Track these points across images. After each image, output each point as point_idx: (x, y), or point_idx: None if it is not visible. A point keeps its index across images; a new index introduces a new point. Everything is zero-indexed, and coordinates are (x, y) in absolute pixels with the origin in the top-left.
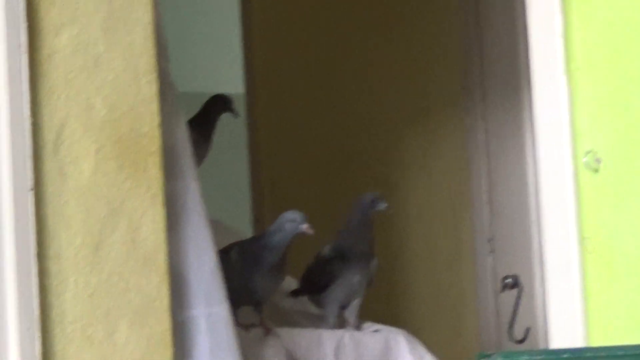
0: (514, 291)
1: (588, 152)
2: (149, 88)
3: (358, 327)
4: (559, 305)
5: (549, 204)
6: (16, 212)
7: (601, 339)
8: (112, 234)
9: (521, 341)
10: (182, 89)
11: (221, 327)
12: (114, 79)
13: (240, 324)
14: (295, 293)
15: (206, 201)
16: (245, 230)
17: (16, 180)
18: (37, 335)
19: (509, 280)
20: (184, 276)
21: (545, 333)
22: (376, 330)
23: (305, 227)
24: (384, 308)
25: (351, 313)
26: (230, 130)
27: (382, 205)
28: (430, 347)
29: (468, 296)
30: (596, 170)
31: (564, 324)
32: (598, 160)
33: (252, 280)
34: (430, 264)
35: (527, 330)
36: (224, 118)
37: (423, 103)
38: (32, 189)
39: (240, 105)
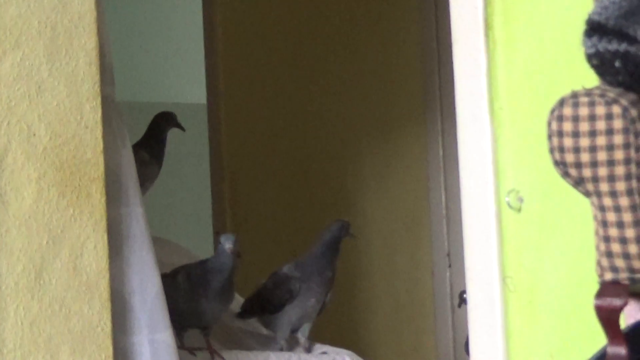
0: None
1: (510, 191)
2: (92, 114)
3: (309, 349)
4: (481, 343)
5: (471, 242)
6: None
7: None
8: (54, 262)
9: None
10: (144, 100)
11: (164, 354)
12: (57, 105)
13: (187, 348)
14: (243, 314)
15: (168, 214)
16: (206, 243)
17: None
18: None
19: (467, 295)
20: (127, 302)
21: None
22: (324, 352)
23: (227, 247)
24: (343, 324)
25: (302, 335)
26: (193, 142)
27: (348, 234)
28: None
29: (426, 311)
30: (519, 210)
31: None
32: (520, 200)
33: (200, 304)
34: (388, 278)
35: None
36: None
37: (383, 118)
38: None
39: (202, 116)
